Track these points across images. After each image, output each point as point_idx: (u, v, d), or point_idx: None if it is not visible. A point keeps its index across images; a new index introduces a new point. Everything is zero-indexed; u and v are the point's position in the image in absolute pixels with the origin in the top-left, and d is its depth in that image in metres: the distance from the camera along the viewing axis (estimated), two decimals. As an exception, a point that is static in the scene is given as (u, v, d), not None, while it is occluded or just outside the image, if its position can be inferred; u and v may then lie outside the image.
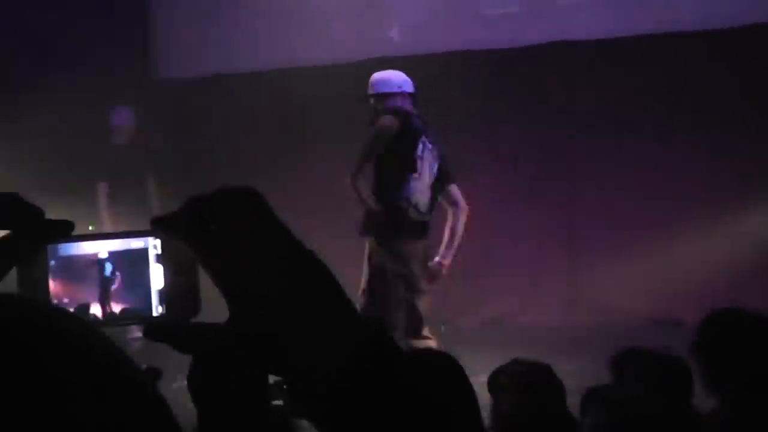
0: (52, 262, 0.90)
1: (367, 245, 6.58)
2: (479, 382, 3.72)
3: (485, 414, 3.35)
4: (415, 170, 6.59)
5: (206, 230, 0.83)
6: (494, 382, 3.62)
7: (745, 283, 7.62)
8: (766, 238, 8.21)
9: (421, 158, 6.63)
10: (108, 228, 8.31)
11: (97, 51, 9.18)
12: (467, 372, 2.81)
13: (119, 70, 9.36)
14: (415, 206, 6.57)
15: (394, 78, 6.83)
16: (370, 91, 6.80)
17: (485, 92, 9.06)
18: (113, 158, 8.89)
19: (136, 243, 0.92)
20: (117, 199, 8.73)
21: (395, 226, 6.52)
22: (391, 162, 6.55)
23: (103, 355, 0.73)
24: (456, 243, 6.74)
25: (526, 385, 3.53)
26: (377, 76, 6.87)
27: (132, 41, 9.94)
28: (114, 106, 9.04)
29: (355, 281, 6.27)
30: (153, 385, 0.77)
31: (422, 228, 6.65)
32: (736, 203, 8.27)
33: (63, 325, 0.74)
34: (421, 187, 6.60)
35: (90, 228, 7.90)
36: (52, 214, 0.90)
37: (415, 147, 6.61)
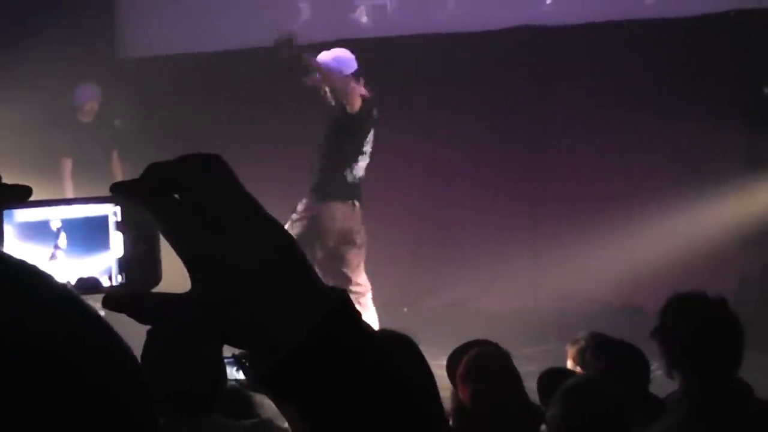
0: (9, 228, 0.88)
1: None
2: (441, 365, 3.72)
3: (446, 396, 3.35)
4: None
5: (169, 197, 0.80)
6: (451, 367, 3.61)
7: (703, 271, 7.67)
8: (724, 226, 8.27)
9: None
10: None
11: (62, 29, 9.09)
12: (429, 355, 2.80)
13: (84, 47, 9.29)
14: None
15: (351, 56, 6.64)
16: (340, 73, 6.54)
17: (450, 75, 9.04)
18: (78, 135, 8.85)
19: (95, 210, 0.89)
20: (81, 176, 8.67)
21: None
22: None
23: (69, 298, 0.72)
24: None
25: (482, 371, 3.52)
26: (340, 56, 6.63)
27: (97, 19, 9.85)
28: (78, 84, 8.98)
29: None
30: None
31: None
32: (696, 193, 8.32)
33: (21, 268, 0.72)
34: None
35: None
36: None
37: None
